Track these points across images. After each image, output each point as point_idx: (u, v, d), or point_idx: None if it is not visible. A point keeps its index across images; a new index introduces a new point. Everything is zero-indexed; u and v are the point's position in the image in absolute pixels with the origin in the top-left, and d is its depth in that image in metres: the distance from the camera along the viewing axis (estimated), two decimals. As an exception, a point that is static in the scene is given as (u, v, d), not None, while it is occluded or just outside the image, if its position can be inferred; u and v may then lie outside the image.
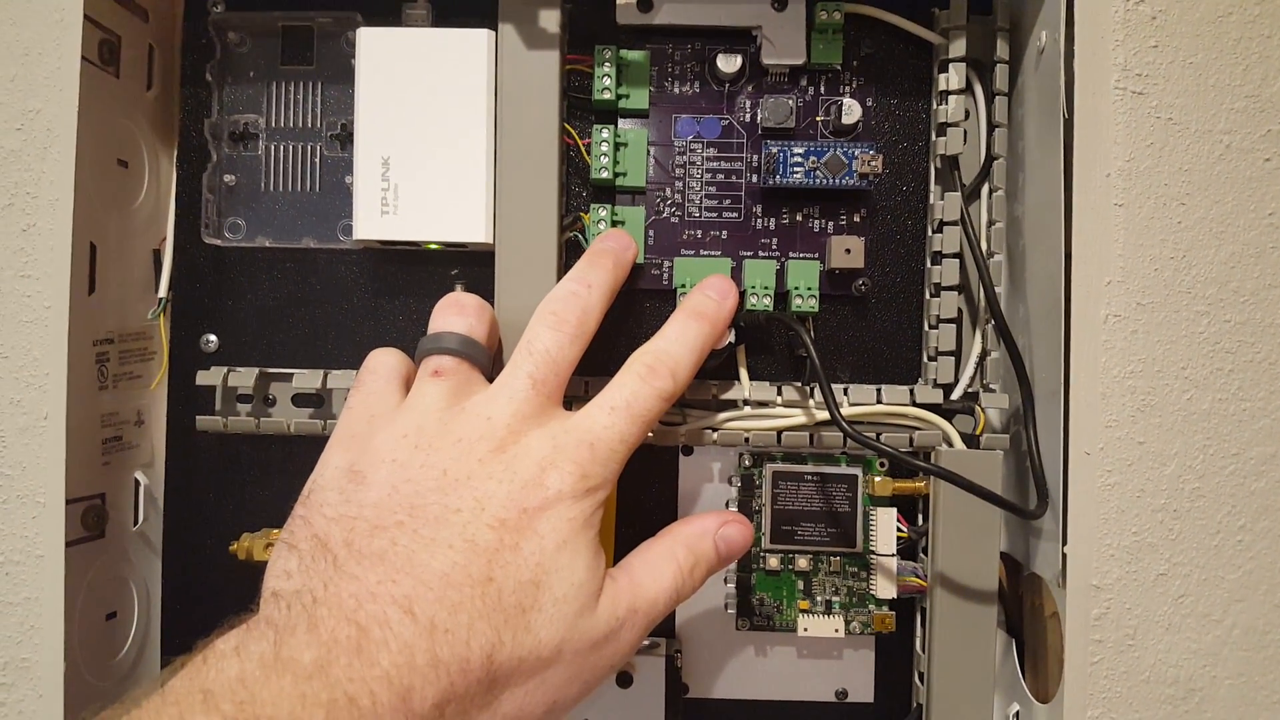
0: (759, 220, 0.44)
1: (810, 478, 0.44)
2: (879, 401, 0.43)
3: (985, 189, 0.43)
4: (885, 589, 0.44)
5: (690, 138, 0.44)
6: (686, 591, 0.36)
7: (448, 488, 0.32)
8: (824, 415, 0.42)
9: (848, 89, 0.44)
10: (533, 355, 0.36)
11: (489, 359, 0.38)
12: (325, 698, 0.27)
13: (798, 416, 0.43)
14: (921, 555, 0.44)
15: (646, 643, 0.45)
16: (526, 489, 0.33)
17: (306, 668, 0.28)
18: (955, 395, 0.43)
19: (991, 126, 0.43)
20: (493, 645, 0.30)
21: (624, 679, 0.44)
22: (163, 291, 0.46)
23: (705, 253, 0.44)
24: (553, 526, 0.33)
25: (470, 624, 0.30)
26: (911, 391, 0.43)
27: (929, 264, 0.44)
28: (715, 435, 0.43)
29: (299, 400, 0.44)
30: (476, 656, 0.30)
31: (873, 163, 0.42)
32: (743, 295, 0.42)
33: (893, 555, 0.44)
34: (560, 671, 0.32)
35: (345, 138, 0.45)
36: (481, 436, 0.34)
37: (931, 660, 0.43)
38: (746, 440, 0.43)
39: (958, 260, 0.43)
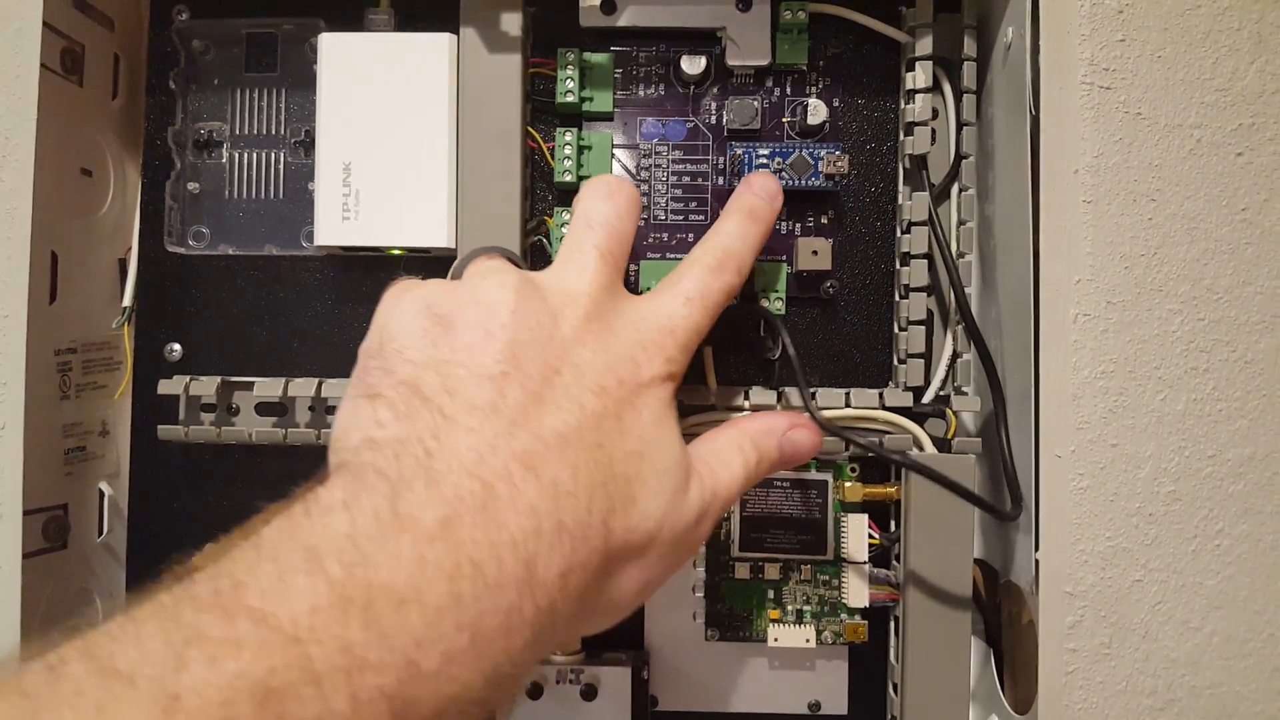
0: (726, 223, 0.44)
1: (780, 483, 0.44)
2: (848, 405, 0.42)
3: (955, 188, 0.43)
4: (857, 597, 0.43)
5: (655, 140, 0.44)
6: (750, 484, 0.35)
7: (544, 342, 0.30)
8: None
9: (814, 89, 0.44)
10: (594, 228, 0.34)
11: None
12: (449, 563, 0.24)
13: (765, 421, 0.42)
14: (894, 562, 0.43)
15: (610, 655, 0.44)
16: (620, 363, 0.31)
17: (429, 528, 0.25)
18: (926, 398, 0.43)
19: (960, 125, 0.42)
20: (608, 513, 0.28)
21: (589, 691, 0.43)
22: (127, 301, 0.45)
23: (672, 255, 0.44)
24: (647, 402, 0.31)
25: (590, 489, 0.28)
26: (881, 395, 0.42)
27: (898, 265, 0.43)
28: (681, 441, 0.42)
29: (262, 409, 0.44)
30: (596, 524, 0.28)
31: (838, 163, 0.41)
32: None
33: (865, 563, 0.43)
34: (655, 552, 0.30)
35: (309, 144, 0.44)
36: (565, 304, 0.31)
37: (905, 671, 0.42)
38: (713, 446, 0.42)
39: (927, 261, 0.42)
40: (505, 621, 0.25)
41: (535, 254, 0.44)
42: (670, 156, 0.44)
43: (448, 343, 0.30)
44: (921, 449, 0.41)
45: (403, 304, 0.31)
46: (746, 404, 0.42)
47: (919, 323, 0.42)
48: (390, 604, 0.23)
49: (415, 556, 0.24)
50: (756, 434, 0.35)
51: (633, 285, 0.44)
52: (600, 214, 0.34)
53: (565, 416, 0.29)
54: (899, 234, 0.43)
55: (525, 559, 0.26)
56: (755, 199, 0.38)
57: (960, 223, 0.42)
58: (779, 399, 0.42)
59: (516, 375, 0.29)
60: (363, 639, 0.22)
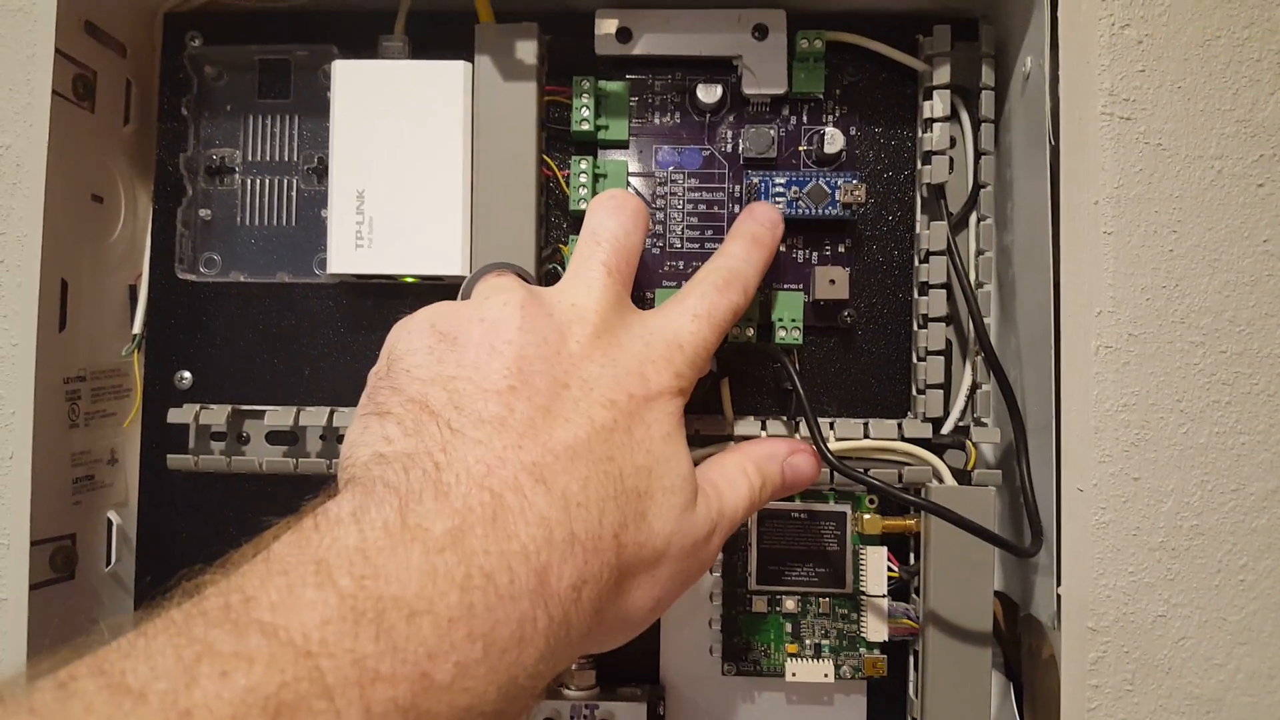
0: (742, 251, 0.43)
1: (797, 515, 0.43)
2: (866, 436, 0.41)
3: (973, 217, 0.42)
4: (876, 631, 0.42)
5: (671, 168, 0.44)
6: (756, 508, 0.35)
7: (551, 358, 0.30)
8: (810, 451, 0.41)
9: (830, 118, 0.44)
10: (600, 244, 0.34)
11: None
12: (460, 574, 0.24)
13: (782, 452, 0.41)
14: (913, 596, 0.43)
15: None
16: (629, 377, 0.31)
17: (438, 538, 0.24)
18: (945, 429, 0.42)
19: (978, 154, 0.42)
20: (620, 527, 0.28)
21: (604, 726, 0.42)
22: (137, 328, 0.45)
23: (687, 285, 0.43)
24: (656, 417, 0.31)
25: (601, 502, 0.28)
26: (900, 426, 0.42)
27: (916, 295, 0.43)
28: (697, 472, 0.41)
29: (272, 438, 0.43)
30: (608, 536, 0.28)
31: (855, 192, 0.41)
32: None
33: (884, 596, 0.42)
34: (666, 568, 0.30)
35: (322, 171, 0.44)
36: (572, 320, 0.32)
37: (925, 706, 0.41)
38: (730, 477, 0.41)
39: (945, 291, 0.42)
40: (519, 632, 0.25)
41: (550, 282, 0.43)
42: (686, 185, 0.44)
43: (454, 359, 0.30)
44: (941, 481, 0.41)
45: (409, 326, 0.32)
46: (763, 435, 0.42)
47: (938, 353, 0.42)
48: (401, 615, 0.23)
49: (426, 567, 0.24)
50: (760, 458, 0.36)
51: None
52: (607, 229, 0.34)
53: (574, 429, 0.29)
54: (917, 263, 0.43)
55: (537, 570, 0.25)
56: (758, 226, 0.38)
57: (979, 252, 0.42)
58: (795, 430, 0.42)
59: (524, 390, 0.29)
60: (374, 651, 0.22)
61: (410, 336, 0.31)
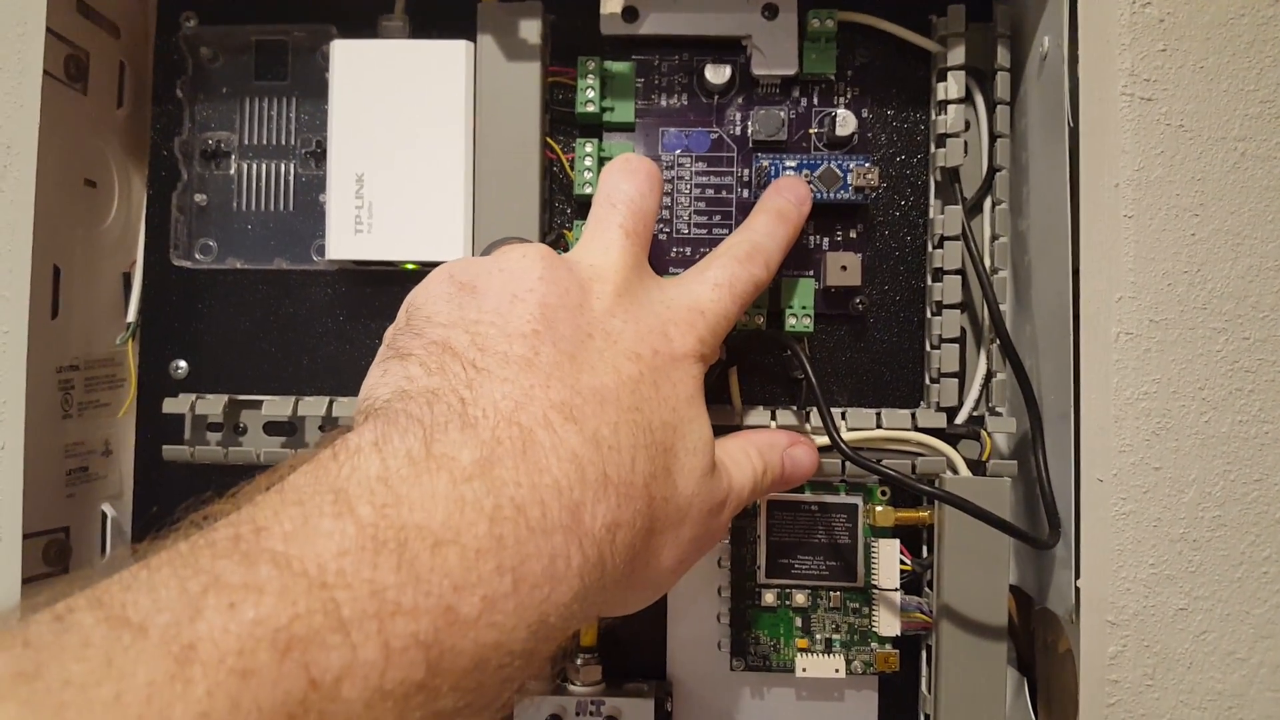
0: (751, 237, 0.42)
1: (808, 507, 0.42)
2: (879, 426, 0.41)
3: (988, 202, 0.41)
4: (888, 625, 0.41)
5: (678, 151, 0.43)
6: (758, 493, 0.35)
7: (574, 309, 0.29)
8: (822, 440, 0.40)
9: (842, 100, 0.42)
10: (617, 207, 0.33)
11: None
12: (489, 504, 0.23)
13: (793, 442, 0.40)
14: (926, 589, 0.42)
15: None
16: (653, 334, 0.31)
17: (466, 468, 0.23)
18: (960, 419, 0.41)
19: (993, 137, 0.41)
20: (650, 477, 0.28)
21: (611, 723, 0.41)
22: (131, 316, 0.44)
23: (695, 271, 0.42)
24: (681, 377, 0.31)
25: (632, 449, 0.27)
26: (913, 415, 0.41)
27: (930, 281, 0.42)
28: (706, 462, 0.40)
29: (270, 428, 0.42)
30: (639, 484, 0.27)
31: (868, 176, 0.40)
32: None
33: (896, 589, 0.41)
34: (688, 530, 0.30)
35: (320, 155, 0.43)
36: (593, 277, 0.31)
37: (938, 702, 0.40)
38: (739, 468, 0.40)
39: (960, 277, 0.41)
40: (551, 568, 0.24)
41: (554, 269, 0.42)
42: (694, 168, 0.43)
43: (474, 305, 0.29)
44: (955, 472, 0.40)
45: (426, 281, 0.31)
46: (773, 425, 0.41)
47: (952, 341, 0.41)
48: (425, 545, 0.22)
49: (453, 496, 0.23)
50: (762, 445, 0.36)
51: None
52: (623, 192, 0.34)
53: (601, 377, 0.28)
54: (930, 249, 0.42)
55: (571, 506, 0.25)
56: (784, 201, 0.38)
57: (994, 237, 0.41)
58: (806, 420, 0.41)
59: (548, 334, 0.28)
60: (395, 582, 0.21)
61: (428, 288, 0.31)
